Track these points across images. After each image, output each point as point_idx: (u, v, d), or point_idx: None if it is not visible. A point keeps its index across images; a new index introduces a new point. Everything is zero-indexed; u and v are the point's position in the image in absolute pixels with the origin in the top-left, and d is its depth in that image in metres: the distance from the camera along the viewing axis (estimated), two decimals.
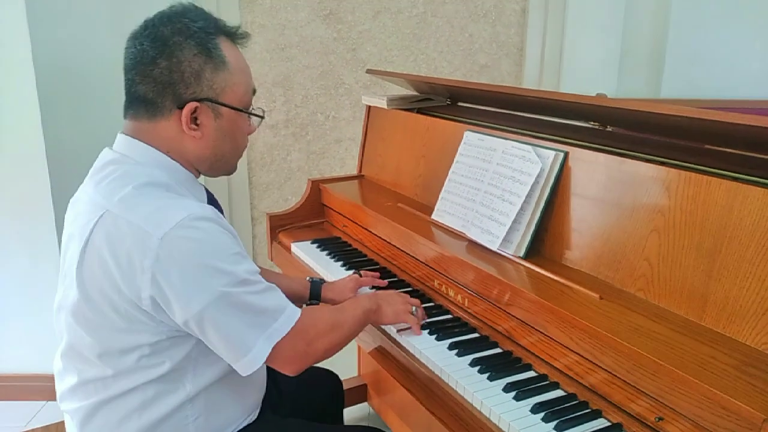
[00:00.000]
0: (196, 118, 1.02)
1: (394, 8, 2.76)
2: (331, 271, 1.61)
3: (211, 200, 1.16)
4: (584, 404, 1.03)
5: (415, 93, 2.01)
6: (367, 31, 2.75)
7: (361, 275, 1.49)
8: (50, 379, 2.48)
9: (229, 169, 1.14)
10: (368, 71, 2.10)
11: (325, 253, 1.73)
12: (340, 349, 1.14)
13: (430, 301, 1.41)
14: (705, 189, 1.04)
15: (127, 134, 1.05)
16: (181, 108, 1.01)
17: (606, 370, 1.02)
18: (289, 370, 1.06)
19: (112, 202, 0.96)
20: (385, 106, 1.93)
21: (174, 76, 0.99)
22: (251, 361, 0.99)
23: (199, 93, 1.01)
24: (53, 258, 2.22)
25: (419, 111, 1.92)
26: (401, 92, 2.03)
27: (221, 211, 1.18)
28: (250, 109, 1.10)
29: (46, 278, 2.23)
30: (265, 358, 1.00)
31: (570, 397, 1.05)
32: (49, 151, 2.13)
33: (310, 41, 2.69)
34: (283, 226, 1.96)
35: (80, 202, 1.04)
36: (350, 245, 1.79)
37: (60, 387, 1.10)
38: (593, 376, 1.04)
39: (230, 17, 2.56)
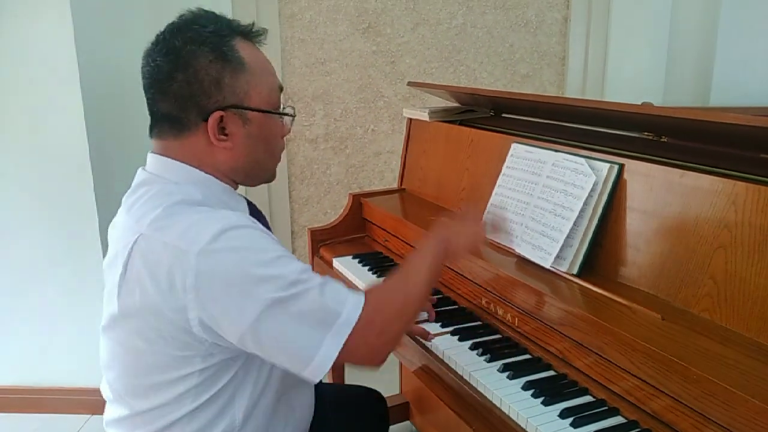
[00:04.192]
0: (223, 128, 0.98)
1: (433, 20, 2.74)
2: None
3: (254, 212, 1.12)
4: None
5: (457, 105, 1.97)
6: (405, 44, 2.73)
7: None
8: (95, 392, 2.51)
9: (268, 176, 1.09)
10: (409, 84, 2.08)
11: (367, 268, 1.70)
12: (419, 311, 1.05)
13: (477, 320, 1.37)
14: None
15: (156, 153, 1.01)
16: (206, 120, 0.96)
17: (671, 396, 0.95)
18: (368, 364, 0.97)
19: (144, 225, 0.92)
20: (427, 119, 1.90)
21: (193, 88, 0.95)
22: (320, 365, 0.91)
23: (222, 101, 0.96)
24: (98, 271, 2.22)
25: (462, 123, 1.88)
26: (442, 104, 2.00)
27: (266, 222, 1.15)
28: (280, 108, 1.05)
29: (91, 291, 2.26)
30: (334, 359, 0.91)
31: (632, 424, 0.99)
32: (95, 165, 2.16)
33: (348, 55, 2.69)
34: (324, 240, 1.94)
35: (116, 228, 1.02)
36: (392, 260, 1.76)
37: (108, 413, 1.07)
38: (656, 402, 0.98)
39: (270, 33, 2.57)
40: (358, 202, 1.97)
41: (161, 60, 0.96)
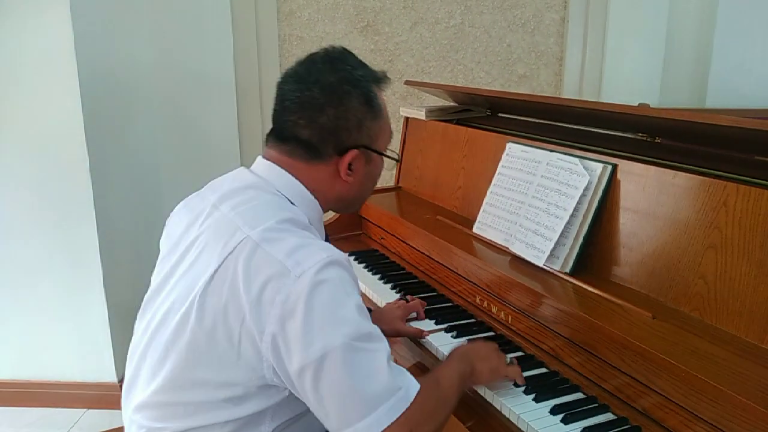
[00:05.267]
0: (350, 164, 1.04)
1: (431, 19, 2.75)
2: (369, 284, 1.59)
3: (327, 239, 1.14)
4: (636, 429, 0.98)
5: (454, 104, 1.98)
6: (403, 43, 2.74)
7: (408, 300, 1.42)
8: (91, 387, 2.52)
9: (359, 209, 1.19)
10: (407, 82, 2.09)
11: (363, 266, 1.71)
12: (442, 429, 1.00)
13: (471, 317, 1.38)
14: (766, 203, 0.98)
15: (273, 162, 1.05)
16: (340, 155, 1.03)
17: (660, 393, 0.97)
18: None
19: (255, 231, 0.94)
20: (424, 118, 1.91)
21: (339, 124, 1.01)
22: (362, 430, 0.86)
23: (358, 140, 1.04)
24: (95, 266, 2.25)
25: (458, 122, 1.89)
26: (439, 103, 2.01)
27: (328, 240, 1.18)
28: (390, 152, 1.13)
29: (88, 286, 2.27)
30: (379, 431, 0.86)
31: (621, 420, 1.00)
32: (92, 162, 2.17)
33: None
34: None
35: (211, 217, 1.02)
36: (388, 258, 1.77)
37: (136, 397, 1.04)
38: (646, 399, 1.00)
39: (269, 30, 2.58)
40: None
41: (317, 92, 1.01)
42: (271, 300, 0.88)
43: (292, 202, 1.03)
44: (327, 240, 1.12)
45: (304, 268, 0.89)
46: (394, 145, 2.68)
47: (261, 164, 1.07)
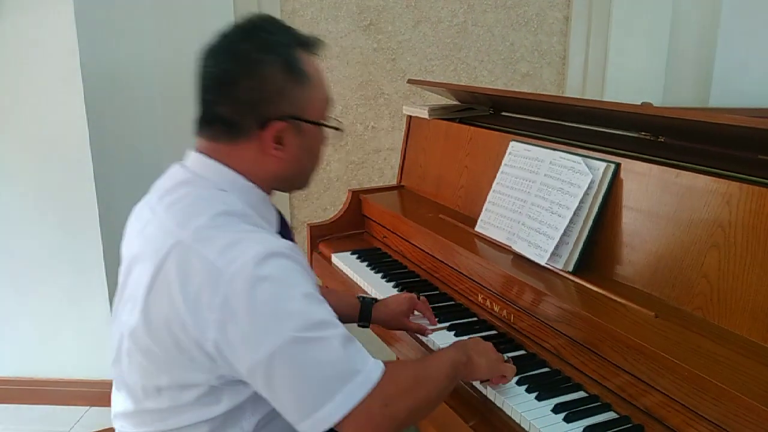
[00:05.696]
0: (278, 138, 0.97)
1: (434, 18, 2.74)
2: (371, 282, 1.59)
3: (282, 223, 1.11)
4: (639, 427, 0.98)
5: (457, 102, 1.98)
6: (407, 41, 2.74)
7: (419, 298, 1.37)
8: (95, 384, 2.53)
9: (305, 185, 1.09)
10: (410, 81, 2.09)
11: (365, 264, 1.71)
12: (428, 412, 0.98)
13: (473, 315, 1.38)
14: None
15: (202, 152, 0.99)
16: (263, 128, 0.95)
17: (663, 392, 0.97)
18: None
19: (185, 232, 0.90)
20: (427, 116, 1.91)
21: (257, 95, 0.94)
22: (320, 421, 0.85)
23: (282, 111, 0.95)
24: (98, 267, 2.26)
25: (461, 121, 1.89)
26: (442, 102, 2.01)
27: (290, 232, 1.14)
28: (329, 121, 1.05)
29: (91, 286, 2.28)
30: (336, 420, 0.85)
31: (623, 419, 1.00)
32: (95, 161, 2.18)
33: (350, 52, 2.69)
34: (323, 236, 1.95)
35: (150, 223, 0.98)
36: (390, 256, 1.77)
37: (115, 406, 1.05)
38: (648, 398, 1.00)
39: None
40: (357, 198, 1.98)
41: (228, 64, 0.94)
42: (208, 305, 0.85)
43: (226, 192, 0.97)
44: (282, 222, 1.09)
45: (237, 266, 0.85)
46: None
47: (190, 157, 1.01)
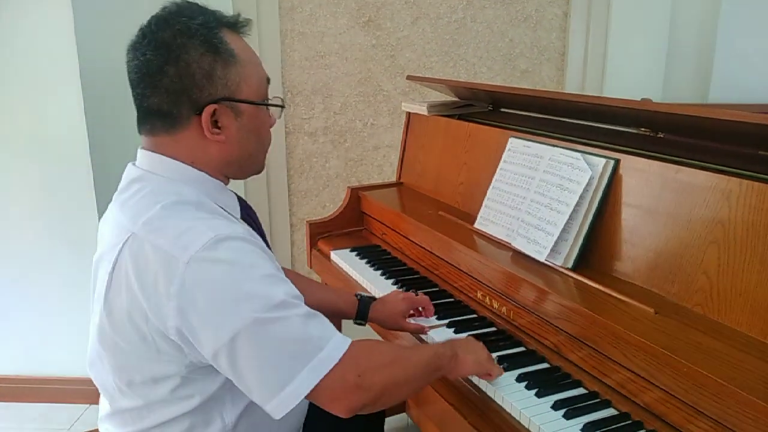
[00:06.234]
0: (216, 121, 0.96)
1: (433, 14, 2.74)
2: (370, 279, 1.59)
3: (244, 206, 1.10)
4: (638, 424, 0.98)
5: (456, 99, 1.98)
6: (405, 38, 2.73)
7: (416, 293, 1.38)
8: (93, 382, 2.51)
9: (259, 168, 1.07)
10: (409, 77, 2.08)
11: (365, 261, 1.71)
12: (405, 394, 0.98)
13: (473, 312, 1.38)
14: None
15: (146, 149, 0.99)
16: (198, 114, 0.94)
17: (662, 389, 0.97)
18: (339, 408, 0.89)
19: (137, 225, 0.90)
20: (426, 113, 1.90)
21: (185, 82, 0.92)
22: (287, 399, 0.85)
23: (214, 94, 0.94)
24: None
25: (460, 117, 1.89)
26: (441, 98, 2.00)
27: (255, 215, 1.14)
28: (268, 99, 1.03)
29: (90, 283, 2.27)
30: (305, 394, 0.86)
31: (623, 416, 1.00)
32: (94, 158, 2.17)
33: (348, 48, 2.69)
34: (322, 233, 1.95)
35: (107, 223, 1.00)
36: (389, 253, 1.77)
37: (100, 409, 1.07)
38: (648, 394, 0.99)
39: (270, 26, 2.57)
40: (356, 195, 1.97)
41: (151, 54, 0.92)
42: (166, 293, 0.85)
43: (177, 183, 0.96)
44: (244, 206, 1.08)
45: (191, 252, 0.84)
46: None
47: (138, 156, 1.01)
